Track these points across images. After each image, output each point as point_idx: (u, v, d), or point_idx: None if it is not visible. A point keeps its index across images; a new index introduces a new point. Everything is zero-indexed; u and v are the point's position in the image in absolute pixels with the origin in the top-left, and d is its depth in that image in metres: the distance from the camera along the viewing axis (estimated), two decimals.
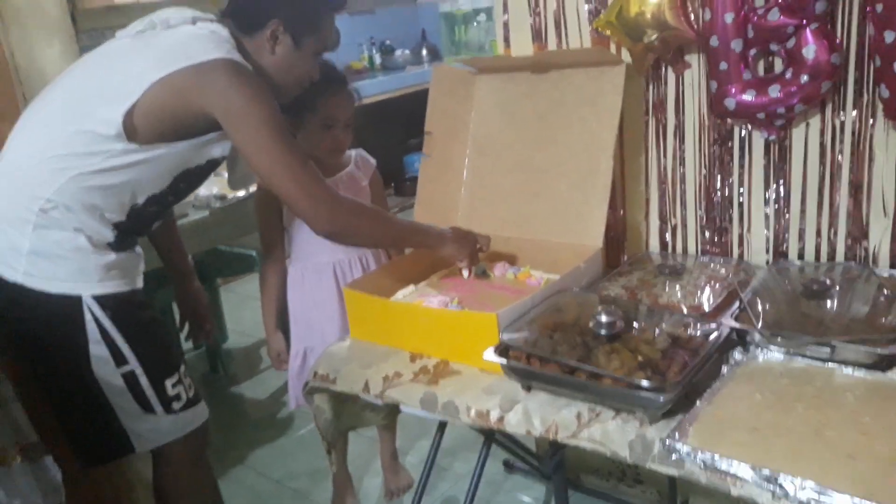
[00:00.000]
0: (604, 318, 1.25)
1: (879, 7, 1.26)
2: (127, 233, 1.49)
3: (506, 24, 1.78)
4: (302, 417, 2.64)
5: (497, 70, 1.80)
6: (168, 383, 1.52)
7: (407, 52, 5.52)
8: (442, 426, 1.64)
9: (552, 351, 1.22)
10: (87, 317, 1.43)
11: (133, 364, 1.48)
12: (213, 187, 2.53)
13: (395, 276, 1.67)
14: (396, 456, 2.22)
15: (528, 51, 1.77)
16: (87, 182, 1.39)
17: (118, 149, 1.38)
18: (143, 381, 1.49)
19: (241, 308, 3.63)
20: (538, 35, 1.75)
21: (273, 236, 1.90)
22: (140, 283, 1.55)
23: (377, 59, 5.48)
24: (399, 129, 5.18)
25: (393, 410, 1.72)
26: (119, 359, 1.47)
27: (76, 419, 1.52)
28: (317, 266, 1.90)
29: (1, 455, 1.37)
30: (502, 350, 1.27)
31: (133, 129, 1.37)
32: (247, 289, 3.78)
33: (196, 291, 1.90)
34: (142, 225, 1.54)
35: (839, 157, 1.47)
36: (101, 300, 1.44)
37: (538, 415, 1.21)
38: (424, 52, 5.63)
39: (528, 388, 1.26)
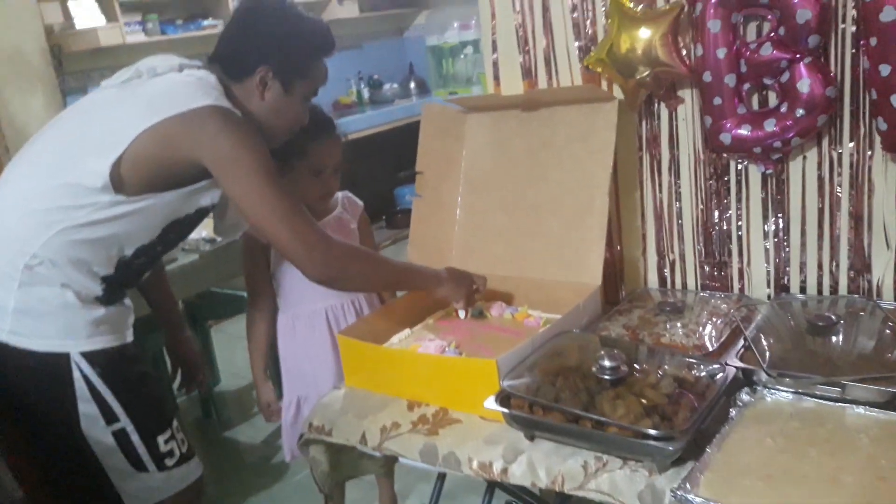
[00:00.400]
0: (607, 363, 1.22)
1: (874, 41, 1.25)
2: (115, 285, 1.45)
3: (495, 63, 1.77)
4: (298, 463, 2.57)
5: (487, 108, 1.79)
6: (160, 439, 1.48)
7: (395, 85, 5.54)
8: (443, 473, 1.60)
9: (555, 398, 1.19)
10: (76, 374, 1.39)
11: (124, 421, 1.43)
12: (203, 231, 2.49)
13: (390, 320, 1.64)
14: (396, 502, 2.16)
15: (519, 88, 1.76)
16: (74, 236, 1.35)
17: (105, 201, 1.34)
18: (135, 438, 1.44)
19: (233, 349, 3.57)
20: (528, 72, 1.74)
21: (260, 283, 1.86)
22: (130, 337, 1.51)
23: (365, 94, 5.50)
24: (389, 162, 5.18)
25: (391, 459, 1.67)
26: (109, 416, 1.42)
27: (64, 481, 1.47)
28: (308, 313, 1.86)
29: None
30: (504, 398, 1.24)
31: (120, 181, 1.34)
32: (238, 329, 3.69)
33: (186, 341, 1.86)
34: (131, 277, 1.51)
35: (838, 189, 1.45)
36: (89, 357, 1.40)
37: (543, 465, 1.18)
38: (412, 85, 5.65)
39: (532, 438, 1.22)
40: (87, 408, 1.40)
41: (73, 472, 1.45)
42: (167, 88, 1.39)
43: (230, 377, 3.33)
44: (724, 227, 1.61)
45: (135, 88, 1.41)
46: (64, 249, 1.36)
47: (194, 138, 1.33)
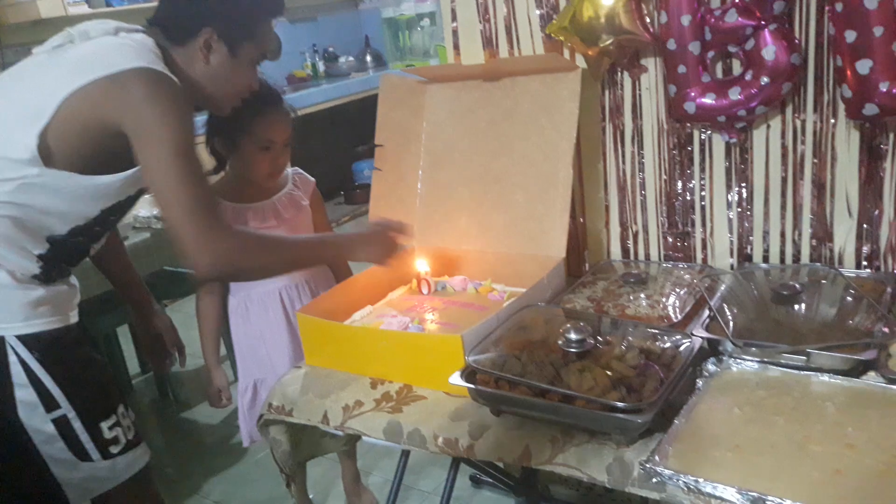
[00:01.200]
0: (572, 336, 1.20)
1: (839, 6, 1.24)
2: (55, 264, 1.37)
3: (455, 32, 1.73)
4: (258, 443, 2.53)
5: (448, 79, 1.74)
6: (104, 426, 1.40)
7: (351, 58, 5.44)
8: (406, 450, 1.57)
9: (521, 373, 1.16)
10: (12, 359, 1.31)
11: (65, 408, 1.35)
12: (154, 208, 2.41)
13: (351, 297, 1.60)
14: (359, 478, 2.14)
15: (479, 58, 1.72)
16: (1, 212, 1.27)
17: (33, 174, 1.24)
18: (77, 425, 1.37)
19: (190, 328, 3.45)
20: (489, 42, 1.70)
21: None
22: (74, 318, 1.43)
23: (321, 67, 5.38)
24: (346, 136, 5.10)
25: (353, 437, 1.64)
26: (49, 403, 1.34)
27: (2, 473, 1.40)
28: (261, 295, 1.81)
29: None
30: (469, 374, 1.21)
31: (49, 152, 1.24)
32: (194, 308, 3.65)
33: (156, 316, 1.78)
34: (72, 256, 1.42)
35: (801, 157, 1.44)
36: (26, 340, 1.32)
37: (509, 441, 1.16)
38: (369, 58, 5.55)
39: (498, 413, 1.20)
40: (24, 394, 1.33)
41: (10, 463, 1.38)
42: (97, 50, 1.28)
43: (187, 357, 3.24)
44: (688, 198, 1.59)
45: (65, 52, 1.31)
46: None
47: (119, 101, 1.23)
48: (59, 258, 1.38)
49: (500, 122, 1.65)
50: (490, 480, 2.10)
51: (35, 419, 1.34)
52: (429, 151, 1.76)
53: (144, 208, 2.52)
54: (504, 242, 1.64)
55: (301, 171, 1.88)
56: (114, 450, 1.41)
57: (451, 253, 1.71)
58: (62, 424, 1.36)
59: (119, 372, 2.96)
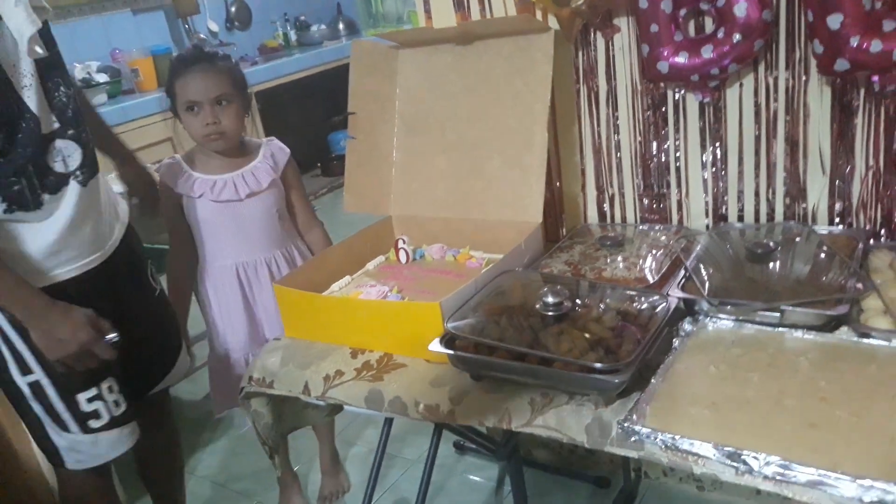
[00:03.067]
0: (550, 299, 1.20)
1: None
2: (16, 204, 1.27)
3: None
4: (240, 416, 2.52)
5: (419, 43, 1.72)
6: (82, 398, 1.37)
7: (323, 27, 5.36)
8: (390, 417, 1.58)
9: (500, 337, 1.17)
10: None
11: (38, 374, 1.33)
12: (121, 184, 2.37)
13: (328, 268, 1.59)
14: (337, 458, 2.15)
15: (451, 21, 1.69)
16: None
17: None
18: (51, 392, 1.35)
19: None
20: (460, 4, 1.67)
21: (177, 232, 1.79)
22: (57, 278, 1.35)
23: (293, 36, 5.30)
24: (321, 107, 5.04)
25: (335, 407, 1.65)
26: (22, 366, 1.33)
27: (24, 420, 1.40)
28: (218, 270, 1.80)
29: None
30: (448, 340, 1.21)
31: None
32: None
33: (135, 165, 1.71)
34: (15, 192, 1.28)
35: (774, 115, 1.44)
36: None
37: (490, 404, 1.16)
38: (341, 26, 5.48)
39: (478, 377, 1.21)
40: (6, 352, 1.32)
41: (21, 414, 1.38)
42: None
43: (184, 347, 3.23)
44: (663, 159, 1.59)
45: None
46: None
47: None
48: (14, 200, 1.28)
49: (474, 86, 1.63)
50: (473, 447, 2.13)
51: (17, 379, 1.33)
52: (403, 118, 1.74)
53: (117, 185, 2.48)
54: (481, 209, 1.63)
55: (277, 141, 1.84)
56: (94, 424, 1.39)
57: (428, 221, 1.70)
58: (37, 390, 1.35)
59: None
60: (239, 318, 1.78)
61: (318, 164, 5.24)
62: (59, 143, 1.32)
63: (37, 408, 1.37)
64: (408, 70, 1.73)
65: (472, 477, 2.11)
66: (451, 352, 1.19)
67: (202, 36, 4.66)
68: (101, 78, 3.93)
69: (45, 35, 1.32)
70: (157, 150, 3.76)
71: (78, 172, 1.35)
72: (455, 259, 1.62)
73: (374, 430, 2.32)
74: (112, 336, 1.34)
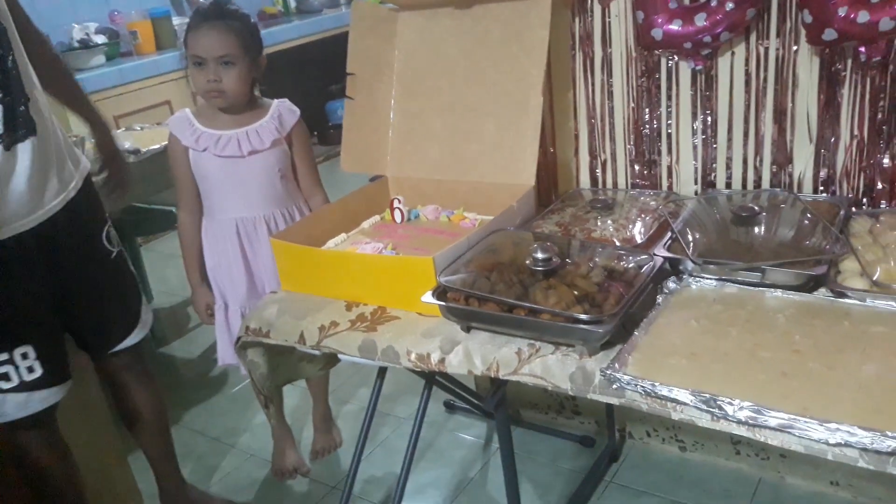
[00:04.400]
0: (539, 255, 1.24)
1: None
2: None
3: None
4: (235, 375, 2.59)
5: (419, 6, 1.74)
6: None
7: None
8: (382, 372, 1.63)
9: (490, 290, 1.21)
10: None
11: None
12: (126, 141, 2.39)
13: (325, 225, 1.62)
14: (329, 417, 2.20)
15: None
16: None
17: None
18: None
19: (165, 267, 3.51)
20: None
21: (185, 184, 1.81)
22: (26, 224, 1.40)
23: (292, 3, 5.28)
24: (319, 75, 5.03)
25: (329, 361, 1.69)
26: None
27: None
28: (219, 223, 1.83)
29: None
30: (440, 293, 1.25)
31: None
32: (169, 247, 3.66)
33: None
34: None
35: (764, 84, 1.48)
36: None
37: (479, 354, 1.21)
38: None
39: (468, 329, 1.25)
40: None
41: None
42: None
43: (163, 295, 3.28)
44: (655, 126, 1.63)
45: None
46: None
47: None
48: None
49: (472, 49, 1.66)
50: (463, 405, 2.19)
51: None
52: (401, 80, 1.77)
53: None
54: (476, 171, 1.67)
55: (288, 103, 1.85)
56: (3, 386, 1.44)
57: (423, 182, 1.73)
58: None
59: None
60: (238, 272, 1.82)
61: (315, 133, 5.25)
62: None
63: None
64: (407, 32, 1.75)
65: (461, 434, 2.17)
66: (442, 303, 1.23)
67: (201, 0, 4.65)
68: (100, 39, 3.93)
69: None
70: (154, 112, 3.78)
71: (5, 136, 1.35)
72: (449, 220, 1.65)
73: (366, 390, 2.37)
74: None
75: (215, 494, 2.05)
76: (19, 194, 1.39)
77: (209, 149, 1.73)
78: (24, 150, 1.39)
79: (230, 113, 1.76)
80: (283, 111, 1.81)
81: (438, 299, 1.24)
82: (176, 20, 4.28)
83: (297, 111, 1.84)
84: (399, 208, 1.67)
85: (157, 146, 2.41)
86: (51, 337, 1.54)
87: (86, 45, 3.82)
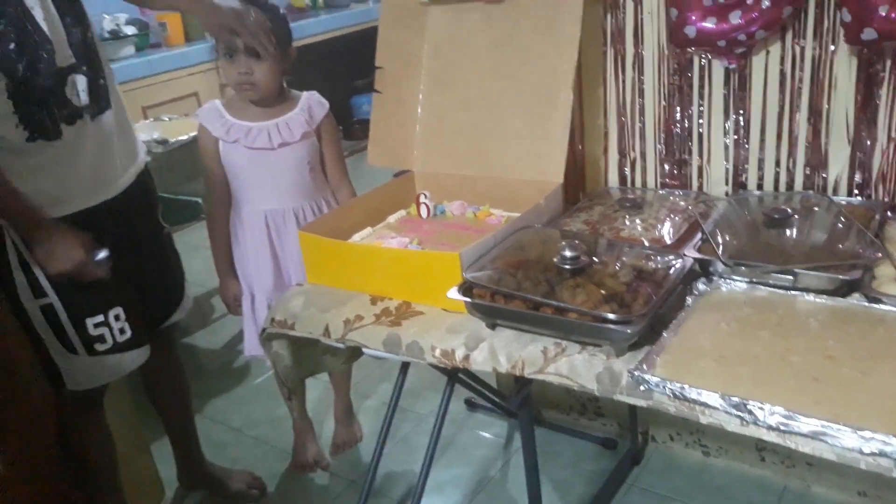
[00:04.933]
0: (567, 253, 1.23)
1: None
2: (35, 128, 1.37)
3: None
4: (258, 366, 2.60)
5: (449, 0, 1.73)
6: (90, 322, 1.47)
7: None
8: (404, 368, 1.62)
9: (516, 288, 1.20)
10: (8, 241, 1.38)
11: (51, 297, 1.42)
12: (154, 132, 2.41)
13: (351, 219, 1.62)
14: (351, 409, 2.20)
15: None
16: None
17: None
18: (63, 317, 1.44)
19: (190, 258, 3.48)
20: None
21: (216, 177, 1.82)
22: (79, 205, 1.46)
23: None
24: (345, 69, 5.04)
25: (353, 354, 1.69)
26: (36, 289, 1.41)
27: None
28: (248, 215, 1.83)
29: None
30: (466, 289, 1.24)
31: None
32: (194, 237, 3.65)
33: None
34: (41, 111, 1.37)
35: (799, 84, 1.45)
36: None
37: (504, 352, 1.20)
38: None
39: (493, 326, 1.24)
40: (19, 277, 1.40)
41: (29, 333, 1.46)
42: None
43: (190, 285, 3.29)
44: (686, 125, 1.61)
45: None
46: None
47: None
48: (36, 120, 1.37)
49: (501, 44, 1.65)
50: (484, 404, 2.18)
51: (30, 303, 1.42)
52: (429, 74, 1.76)
53: (144, 132, 2.53)
54: (503, 168, 1.65)
55: (317, 95, 1.85)
56: (99, 347, 1.50)
57: (450, 178, 1.73)
58: (49, 313, 1.44)
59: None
60: (265, 263, 1.82)
61: (340, 128, 5.24)
62: (74, 76, 1.42)
63: (46, 330, 1.46)
64: (436, 26, 1.75)
65: (481, 433, 2.16)
66: (468, 300, 1.22)
67: None
68: (130, 30, 3.96)
69: None
70: (181, 104, 3.80)
71: (91, 107, 1.45)
72: (475, 216, 1.65)
73: (387, 385, 2.37)
74: (102, 255, 1.44)
75: (236, 469, 2.08)
76: (106, 164, 1.50)
77: (239, 140, 1.74)
78: (107, 120, 1.49)
79: (260, 105, 1.76)
80: (312, 104, 1.81)
81: (464, 295, 1.23)
82: None
83: (327, 104, 1.84)
84: (425, 203, 1.66)
85: (184, 137, 2.43)
86: (132, 299, 1.60)
87: (116, 35, 3.85)
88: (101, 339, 1.49)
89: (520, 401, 1.43)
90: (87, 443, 1.64)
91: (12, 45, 1.31)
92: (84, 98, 1.43)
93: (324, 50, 4.75)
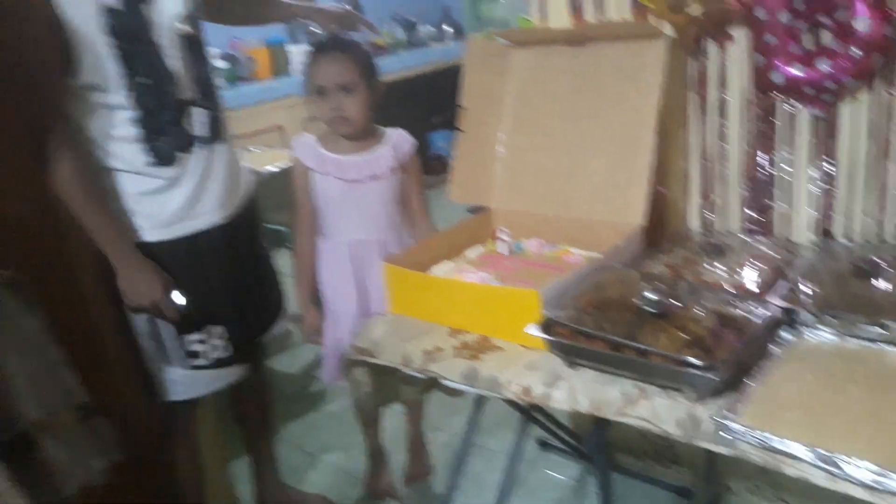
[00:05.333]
0: (650, 296, 1.23)
1: None
2: (160, 155, 1.53)
3: None
4: (334, 393, 2.64)
5: (533, 43, 1.77)
6: (190, 339, 1.59)
7: (430, 28, 5.48)
8: (480, 402, 1.64)
9: (597, 328, 1.21)
10: None
11: None
12: (243, 162, 2.51)
13: (430, 252, 1.67)
14: (423, 441, 2.22)
15: (565, 23, 1.74)
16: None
17: None
18: (164, 332, 1.57)
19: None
20: (575, 6, 1.72)
21: (305, 207, 1.89)
22: (192, 228, 1.60)
23: (400, 36, 5.44)
24: (422, 106, 5.15)
25: (429, 385, 1.72)
26: None
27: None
28: (336, 244, 1.88)
29: (54, 418, 1.38)
30: (546, 326, 1.26)
31: None
32: (278, 264, 3.78)
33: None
34: (167, 135, 1.54)
35: (889, 134, 1.43)
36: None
37: (583, 391, 1.21)
38: (448, 28, 5.58)
39: (573, 365, 1.25)
40: None
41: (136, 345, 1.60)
42: None
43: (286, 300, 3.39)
44: (770, 171, 1.59)
45: None
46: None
47: None
48: (159, 145, 1.53)
49: (584, 87, 1.68)
50: (557, 444, 2.16)
51: (135, 316, 1.56)
52: (512, 115, 1.80)
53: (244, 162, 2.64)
54: (583, 208, 1.67)
55: (403, 133, 1.91)
56: (197, 363, 1.61)
57: (529, 216, 1.75)
58: (152, 327, 1.57)
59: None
60: (349, 292, 1.87)
61: None
62: (192, 109, 1.58)
63: (149, 344, 1.59)
64: (520, 68, 1.79)
65: (553, 473, 2.14)
66: (549, 337, 1.24)
67: (312, 29, 4.86)
68: (221, 64, 4.16)
69: (192, 18, 1.56)
70: (265, 137, 3.95)
71: (206, 137, 1.61)
72: (553, 254, 1.66)
73: (457, 419, 2.37)
74: (179, 302, 1.59)
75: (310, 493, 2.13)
76: (215, 190, 1.64)
77: (331, 172, 1.81)
78: (219, 149, 1.65)
79: (351, 139, 1.82)
80: (399, 140, 1.88)
81: (545, 332, 1.25)
82: (292, 48, 4.48)
83: (413, 140, 1.90)
84: (505, 240, 1.69)
85: (272, 168, 2.52)
86: (235, 318, 1.71)
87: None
88: (200, 354, 1.61)
89: (596, 443, 1.43)
90: (177, 456, 1.73)
91: (146, 81, 1.48)
92: (200, 129, 1.59)
93: (401, 87, 4.86)
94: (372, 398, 1.58)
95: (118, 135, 1.50)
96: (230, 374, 1.69)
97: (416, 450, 2.18)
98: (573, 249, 1.66)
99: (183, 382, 1.63)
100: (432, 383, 1.61)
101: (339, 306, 1.89)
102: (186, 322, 1.59)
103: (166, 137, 1.54)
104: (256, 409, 1.99)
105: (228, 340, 1.67)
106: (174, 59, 1.53)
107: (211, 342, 1.61)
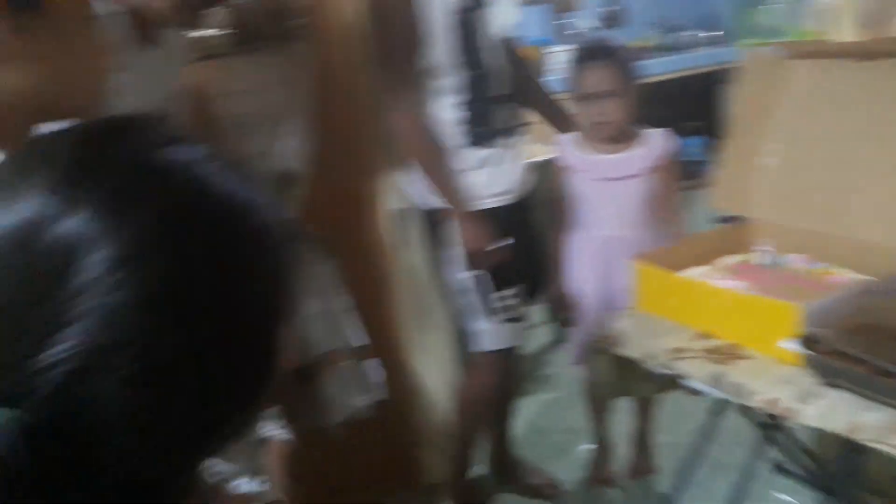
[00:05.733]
0: None
1: None
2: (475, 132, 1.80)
3: (826, 6, 1.68)
4: (561, 379, 2.72)
5: (815, 55, 1.71)
6: (504, 294, 1.84)
7: (695, 33, 5.33)
8: (718, 409, 1.63)
9: (867, 351, 1.17)
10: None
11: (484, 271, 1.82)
12: None
13: (684, 256, 1.67)
14: (650, 439, 2.23)
15: (849, 36, 1.65)
16: None
17: None
18: (488, 287, 1.82)
19: None
20: (873, 20, 1.63)
21: (563, 202, 1.99)
22: (489, 205, 1.82)
23: (662, 39, 5.36)
24: (678, 110, 5.03)
25: (666, 384, 1.74)
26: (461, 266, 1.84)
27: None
28: (588, 238, 1.95)
29: (334, 355, 1.61)
30: (808, 342, 1.24)
31: None
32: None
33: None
34: (480, 119, 1.80)
35: None
36: None
37: (839, 411, 1.17)
38: (713, 33, 5.39)
39: (831, 385, 1.22)
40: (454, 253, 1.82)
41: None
42: None
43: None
44: None
45: None
46: None
47: None
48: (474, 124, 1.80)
49: (872, 104, 1.58)
50: (794, 470, 2.05)
51: (463, 274, 1.82)
52: (786, 127, 1.74)
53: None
54: (857, 228, 1.58)
55: (664, 133, 1.95)
56: (507, 316, 1.86)
57: (793, 230, 1.69)
58: (479, 282, 1.84)
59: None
60: (595, 285, 1.94)
61: None
62: (505, 103, 1.86)
63: (472, 298, 1.85)
64: (800, 80, 1.73)
65: (784, 497, 2.05)
66: (811, 353, 1.21)
67: (571, 31, 4.94)
68: None
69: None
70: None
71: (510, 130, 1.87)
72: (817, 272, 1.60)
73: (684, 424, 2.34)
74: (507, 242, 1.82)
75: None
76: (515, 174, 1.92)
77: (589, 170, 1.89)
78: (513, 142, 1.92)
79: (610, 139, 1.89)
80: (660, 140, 1.91)
81: (805, 348, 1.23)
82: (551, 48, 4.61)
83: (674, 142, 1.93)
84: (767, 251, 1.66)
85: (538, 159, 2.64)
86: (522, 283, 1.94)
87: None
88: (509, 309, 1.86)
89: (844, 470, 1.37)
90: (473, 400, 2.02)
91: (476, 72, 1.78)
92: (507, 120, 1.86)
93: (660, 90, 4.80)
94: (607, 388, 1.65)
95: (444, 117, 1.77)
96: (523, 330, 1.93)
97: (642, 446, 2.20)
98: (840, 269, 1.59)
99: (494, 333, 1.86)
100: (669, 383, 1.65)
101: (587, 296, 1.97)
102: (501, 279, 1.82)
103: (483, 124, 1.80)
104: (506, 373, 2.10)
105: (520, 300, 1.90)
106: (494, 58, 1.81)
107: (514, 300, 1.85)
